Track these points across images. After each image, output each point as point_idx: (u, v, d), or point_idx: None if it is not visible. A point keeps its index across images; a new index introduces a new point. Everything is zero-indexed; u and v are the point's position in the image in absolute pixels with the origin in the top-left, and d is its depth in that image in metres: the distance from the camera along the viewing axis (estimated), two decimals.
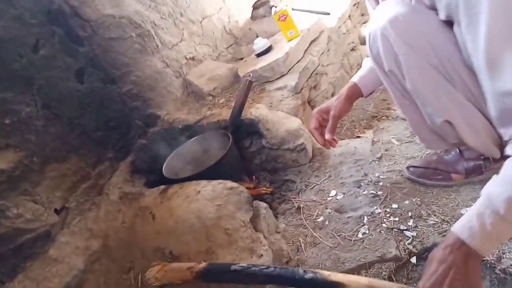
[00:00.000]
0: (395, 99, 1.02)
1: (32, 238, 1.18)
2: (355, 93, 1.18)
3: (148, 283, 1.06)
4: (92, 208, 1.39)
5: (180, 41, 2.17)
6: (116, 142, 1.61)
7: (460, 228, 0.72)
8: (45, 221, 1.23)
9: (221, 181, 1.28)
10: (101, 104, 1.56)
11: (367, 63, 1.16)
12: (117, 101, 1.65)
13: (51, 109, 1.33)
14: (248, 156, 1.73)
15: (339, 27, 2.28)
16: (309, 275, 0.87)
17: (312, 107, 1.84)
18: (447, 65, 0.85)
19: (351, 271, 1.03)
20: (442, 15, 0.80)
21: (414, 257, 1.00)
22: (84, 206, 1.37)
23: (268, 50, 2.04)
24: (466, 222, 0.72)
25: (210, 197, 1.22)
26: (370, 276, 1.00)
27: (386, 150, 1.43)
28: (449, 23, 0.81)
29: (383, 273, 1.00)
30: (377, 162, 1.39)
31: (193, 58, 2.26)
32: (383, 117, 1.70)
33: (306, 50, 2.00)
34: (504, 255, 0.87)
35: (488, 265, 0.88)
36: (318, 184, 1.42)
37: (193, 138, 1.72)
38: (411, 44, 0.85)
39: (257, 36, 2.31)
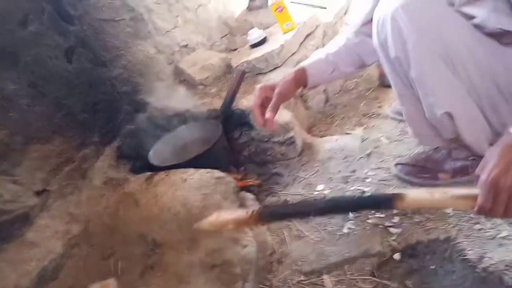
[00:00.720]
0: (395, 88, 1.01)
1: (10, 220, 1.15)
2: (301, 78, 1.11)
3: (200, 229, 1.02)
4: (74, 192, 1.36)
5: (174, 28, 2.13)
6: (103, 126, 1.57)
7: None
8: (24, 203, 1.20)
9: (208, 170, 1.27)
10: (89, 86, 1.52)
11: (318, 55, 1.14)
12: (106, 84, 1.61)
13: (37, 88, 1.29)
14: (237, 147, 1.72)
15: (336, 22, 2.26)
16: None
17: (304, 102, 1.83)
18: (454, 57, 0.84)
19: (334, 265, 1.03)
20: None
21: (398, 254, 1.00)
22: (66, 189, 1.34)
23: (263, 41, 2.02)
24: None
25: (197, 186, 1.20)
26: (353, 272, 1.00)
27: (375, 148, 1.43)
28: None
29: (367, 268, 1.00)
30: (365, 159, 1.39)
31: (186, 46, 2.22)
32: (374, 115, 1.70)
33: (301, 43, 1.98)
34: (486, 255, 0.88)
35: (469, 263, 0.88)
36: (305, 178, 1.41)
37: (182, 126, 1.70)
38: (421, 31, 0.83)
39: (253, 27, 2.28)
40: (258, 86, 1.10)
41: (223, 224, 0.94)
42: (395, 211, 1.10)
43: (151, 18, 1.94)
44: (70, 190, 1.35)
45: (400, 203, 0.73)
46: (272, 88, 1.07)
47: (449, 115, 0.90)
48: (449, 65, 0.85)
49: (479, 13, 0.81)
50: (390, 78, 0.99)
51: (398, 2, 0.84)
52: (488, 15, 0.80)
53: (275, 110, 1.03)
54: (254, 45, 2.03)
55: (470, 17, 0.83)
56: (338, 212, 0.89)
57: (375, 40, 0.95)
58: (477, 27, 0.83)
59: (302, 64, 1.14)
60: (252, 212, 0.92)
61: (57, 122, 1.36)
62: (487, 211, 0.65)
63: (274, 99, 1.04)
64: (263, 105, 1.06)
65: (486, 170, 0.67)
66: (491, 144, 0.97)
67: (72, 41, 1.47)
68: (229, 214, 0.95)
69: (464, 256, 0.91)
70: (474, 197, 0.68)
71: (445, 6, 0.84)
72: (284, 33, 1.98)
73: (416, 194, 0.75)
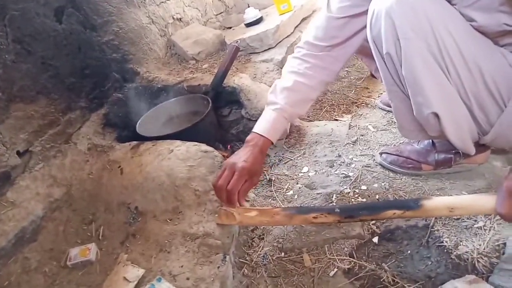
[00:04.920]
0: (385, 83, 1.00)
1: None
2: (266, 147, 1.05)
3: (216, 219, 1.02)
4: (58, 155, 1.33)
5: None
6: (90, 91, 1.53)
7: None
8: (6, 162, 1.16)
9: (196, 143, 1.26)
10: (78, 49, 1.47)
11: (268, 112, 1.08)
12: (95, 49, 1.57)
13: (23, 44, 1.24)
14: (225, 125, 1.71)
15: None
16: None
17: None
18: (446, 57, 0.84)
19: (314, 244, 1.06)
20: None
21: (376, 237, 1.03)
22: (49, 152, 1.31)
23: (258, 21, 2.00)
24: None
25: (183, 157, 1.20)
26: (332, 252, 1.03)
27: (362, 135, 1.46)
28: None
29: (345, 249, 1.02)
30: (351, 145, 1.41)
31: (180, 20, 2.18)
32: (363, 104, 1.72)
33: (297, 26, 1.97)
34: (461, 243, 0.91)
35: (445, 250, 0.92)
36: (291, 160, 1.42)
37: (171, 99, 1.67)
38: (415, 29, 0.82)
39: (249, 6, 2.25)
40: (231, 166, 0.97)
41: (246, 211, 0.96)
42: (377, 197, 1.13)
43: None
44: (54, 153, 1.32)
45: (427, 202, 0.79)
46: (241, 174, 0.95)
47: (436, 115, 0.91)
48: (440, 63, 0.85)
49: (478, 17, 0.81)
50: (381, 72, 0.98)
51: None
52: (486, 19, 0.80)
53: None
54: (250, 24, 2.01)
55: (469, 19, 0.83)
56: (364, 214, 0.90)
57: (368, 34, 0.94)
58: (475, 28, 0.84)
59: (261, 131, 1.04)
60: (276, 207, 0.95)
61: (42, 83, 1.31)
62: (505, 214, 0.69)
63: (246, 186, 0.97)
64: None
65: (504, 208, 0.70)
66: (476, 143, 1.00)
67: (63, 0, 1.42)
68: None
69: (440, 243, 0.94)
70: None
71: (441, 3, 0.83)
72: (280, 14, 1.96)
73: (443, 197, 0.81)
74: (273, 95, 1.10)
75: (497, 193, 0.70)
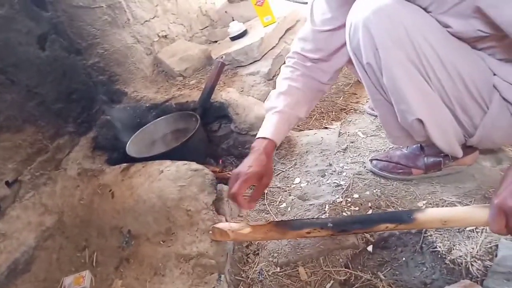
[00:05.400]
0: (368, 93, 1.01)
1: None
2: (271, 149, 1.05)
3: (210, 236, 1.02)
4: (48, 183, 1.33)
5: (153, 18, 2.09)
6: (78, 116, 1.53)
7: None
8: None
9: (185, 162, 1.26)
10: (63, 74, 1.47)
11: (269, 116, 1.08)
12: (81, 73, 1.57)
13: (7, 75, 1.24)
14: (215, 140, 1.71)
15: None
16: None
17: None
18: (425, 63, 0.84)
19: (309, 257, 1.05)
20: None
21: (371, 246, 1.03)
22: (39, 180, 1.30)
23: (243, 34, 2.01)
24: None
25: (173, 178, 1.19)
26: (327, 263, 1.02)
27: (352, 142, 1.46)
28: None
29: (340, 259, 1.02)
30: (342, 153, 1.41)
31: (165, 37, 2.19)
32: (351, 110, 1.73)
33: (281, 37, 1.99)
34: (454, 247, 0.91)
35: (439, 255, 0.92)
36: (283, 171, 1.42)
37: (160, 118, 1.67)
38: (392, 38, 0.83)
39: (233, 20, 2.27)
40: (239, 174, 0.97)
41: (240, 229, 0.95)
42: (369, 204, 1.13)
43: (130, 7, 1.89)
44: (44, 181, 1.31)
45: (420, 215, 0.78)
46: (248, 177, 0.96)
47: (420, 121, 0.92)
48: (420, 70, 0.86)
49: (454, 23, 0.82)
50: (363, 82, 0.99)
51: (370, 8, 0.84)
52: (462, 24, 0.81)
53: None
54: (234, 38, 2.02)
55: (445, 25, 0.84)
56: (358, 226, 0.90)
57: (348, 45, 0.95)
58: (452, 34, 0.85)
59: (263, 135, 1.05)
60: (270, 222, 0.94)
61: (29, 111, 1.31)
62: (496, 231, 0.69)
63: (258, 189, 0.99)
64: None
65: (497, 194, 0.70)
66: (463, 145, 1.00)
67: (45, 27, 1.42)
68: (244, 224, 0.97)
69: (434, 248, 0.94)
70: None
71: (417, 11, 0.84)
72: (264, 26, 1.98)
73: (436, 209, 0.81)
74: (270, 102, 1.11)
75: (489, 209, 0.71)
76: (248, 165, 0.97)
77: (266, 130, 1.05)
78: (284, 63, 1.18)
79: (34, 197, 1.26)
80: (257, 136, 1.06)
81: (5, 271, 1.06)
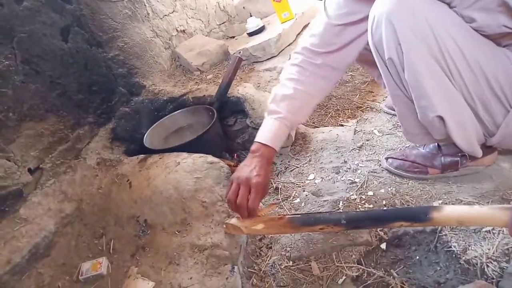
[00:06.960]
0: (388, 88, 1.00)
1: (2, 195, 1.15)
2: (271, 156, 1.05)
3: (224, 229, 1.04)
4: (68, 171, 1.36)
5: (172, 12, 2.12)
6: (98, 107, 1.57)
7: None
8: (18, 180, 1.19)
9: (202, 155, 1.28)
10: (85, 66, 1.51)
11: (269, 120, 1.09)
12: (101, 66, 1.60)
13: (31, 65, 1.28)
14: (231, 134, 1.73)
15: None
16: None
17: None
18: (448, 59, 0.84)
19: (322, 252, 1.06)
20: None
21: (384, 244, 1.03)
22: (59, 168, 1.34)
23: (260, 30, 2.02)
24: None
25: (190, 170, 1.21)
26: (340, 259, 1.03)
27: (367, 140, 1.46)
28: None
29: (353, 256, 1.02)
30: (357, 150, 1.41)
31: (184, 31, 2.21)
32: (368, 109, 1.72)
33: (298, 34, 1.99)
34: (470, 247, 0.91)
35: (453, 255, 0.92)
36: (298, 167, 1.43)
37: (177, 111, 1.70)
38: (416, 33, 0.82)
39: (251, 15, 2.27)
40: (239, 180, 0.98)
41: (253, 223, 0.96)
42: (384, 202, 1.13)
43: (149, 1, 1.93)
44: (64, 169, 1.35)
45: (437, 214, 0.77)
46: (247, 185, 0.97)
47: (441, 118, 0.91)
48: (443, 66, 0.85)
49: (479, 17, 0.81)
50: (384, 78, 0.98)
51: (394, 3, 0.83)
52: (487, 19, 0.80)
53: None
54: (252, 33, 2.03)
55: (470, 20, 0.83)
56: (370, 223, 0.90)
57: (369, 39, 0.94)
58: (476, 29, 0.84)
59: (265, 141, 1.04)
60: (283, 216, 0.95)
61: (51, 101, 1.35)
62: None
63: (254, 197, 0.96)
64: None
65: None
66: (483, 145, 0.99)
67: (68, 20, 1.45)
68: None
69: (449, 247, 0.94)
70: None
71: (441, 6, 0.83)
72: (282, 22, 1.98)
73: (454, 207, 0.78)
74: (274, 104, 1.10)
75: (510, 211, 0.70)
76: (256, 174, 0.98)
77: (268, 136, 1.05)
78: (290, 58, 1.17)
79: (54, 185, 1.29)
80: (258, 139, 1.06)
81: (27, 254, 1.09)
